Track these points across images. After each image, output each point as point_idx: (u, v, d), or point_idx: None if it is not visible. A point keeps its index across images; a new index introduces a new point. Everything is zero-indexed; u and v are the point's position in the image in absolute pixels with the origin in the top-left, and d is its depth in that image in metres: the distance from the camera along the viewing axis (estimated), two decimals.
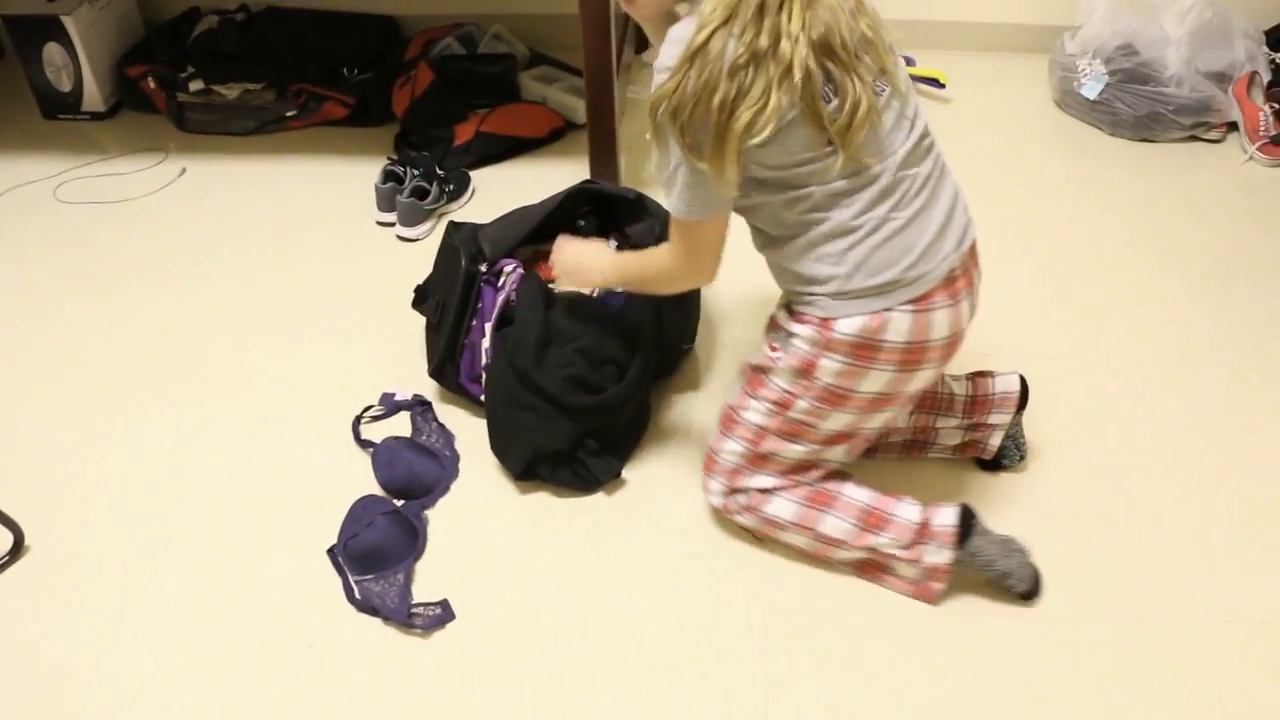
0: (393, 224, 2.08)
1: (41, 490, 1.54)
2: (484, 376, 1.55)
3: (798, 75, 1.08)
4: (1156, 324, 1.81)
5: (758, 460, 1.35)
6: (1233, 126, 2.34)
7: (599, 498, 1.50)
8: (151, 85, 2.43)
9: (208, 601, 1.37)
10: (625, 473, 1.53)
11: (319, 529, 1.45)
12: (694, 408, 1.65)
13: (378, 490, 1.51)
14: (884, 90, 1.16)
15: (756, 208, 1.23)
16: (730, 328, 1.80)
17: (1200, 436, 1.58)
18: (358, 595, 1.36)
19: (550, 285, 1.53)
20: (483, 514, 1.48)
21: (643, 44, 2.57)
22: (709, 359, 1.75)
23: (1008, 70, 2.62)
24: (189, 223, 2.14)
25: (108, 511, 1.50)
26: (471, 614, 1.35)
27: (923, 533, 1.31)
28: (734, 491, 1.37)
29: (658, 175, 1.22)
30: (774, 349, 1.30)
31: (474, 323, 1.56)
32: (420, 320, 1.69)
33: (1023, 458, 1.51)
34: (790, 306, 1.29)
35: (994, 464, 1.51)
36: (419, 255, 1.99)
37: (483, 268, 1.56)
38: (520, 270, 1.54)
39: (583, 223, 1.71)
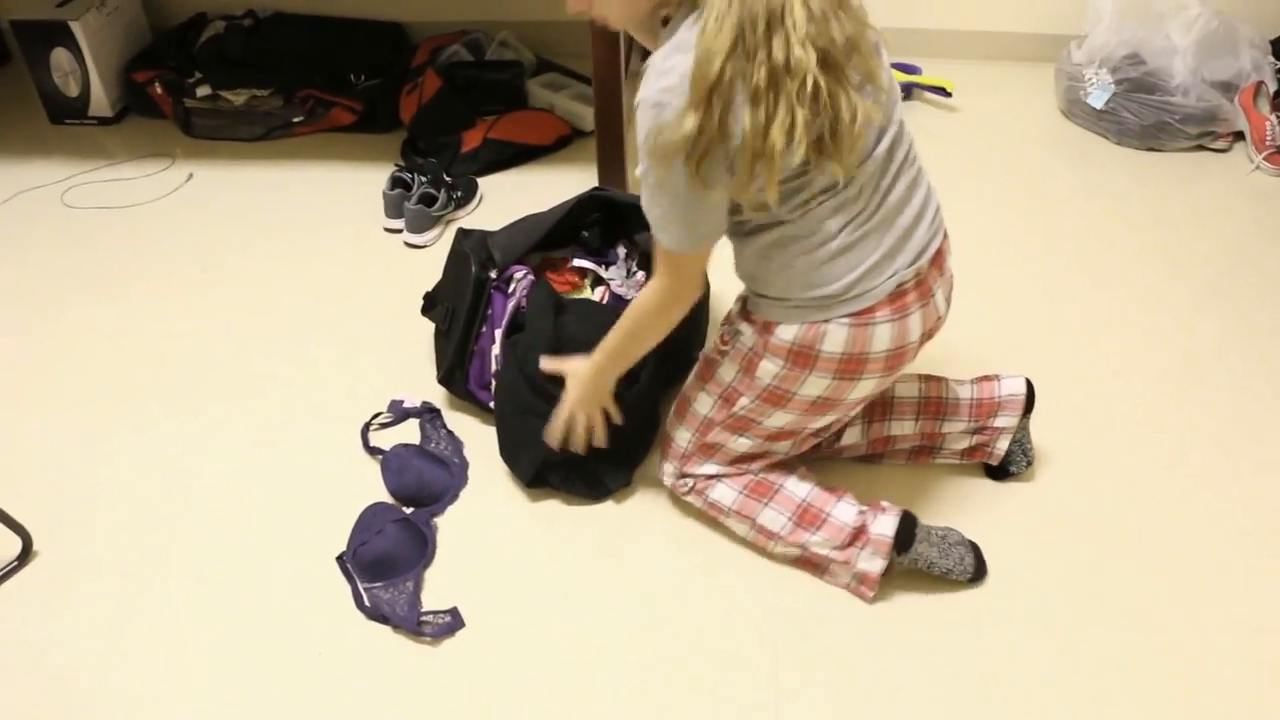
0: (400, 230, 2.08)
1: (49, 495, 1.54)
2: (493, 383, 1.55)
3: (810, 86, 1.04)
4: (1162, 333, 1.81)
5: (706, 449, 1.38)
6: (1239, 136, 2.35)
7: (608, 506, 1.50)
8: (159, 91, 2.43)
9: (216, 609, 1.37)
10: (634, 480, 1.53)
11: (328, 536, 1.45)
12: None
13: (387, 498, 1.51)
14: (869, 97, 1.11)
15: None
16: None
17: (1206, 444, 1.58)
18: (367, 603, 1.36)
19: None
20: (492, 522, 1.48)
21: (650, 51, 2.57)
22: None
23: (1014, 79, 2.63)
24: (196, 228, 2.14)
25: (116, 517, 1.50)
26: (481, 622, 1.34)
27: (857, 536, 1.32)
28: (684, 475, 1.41)
29: (647, 212, 1.16)
30: (725, 342, 1.33)
31: (484, 329, 1.56)
32: (428, 327, 1.69)
33: (1030, 464, 1.50)
34: (745, 301, 1.30)
35: (1002, 472, 1.51)
36: (427, 262, 2.00)
37: (493, 274, 1.56)
38: (531, 277, 1.54)
39: (586, 233, 1.71)
